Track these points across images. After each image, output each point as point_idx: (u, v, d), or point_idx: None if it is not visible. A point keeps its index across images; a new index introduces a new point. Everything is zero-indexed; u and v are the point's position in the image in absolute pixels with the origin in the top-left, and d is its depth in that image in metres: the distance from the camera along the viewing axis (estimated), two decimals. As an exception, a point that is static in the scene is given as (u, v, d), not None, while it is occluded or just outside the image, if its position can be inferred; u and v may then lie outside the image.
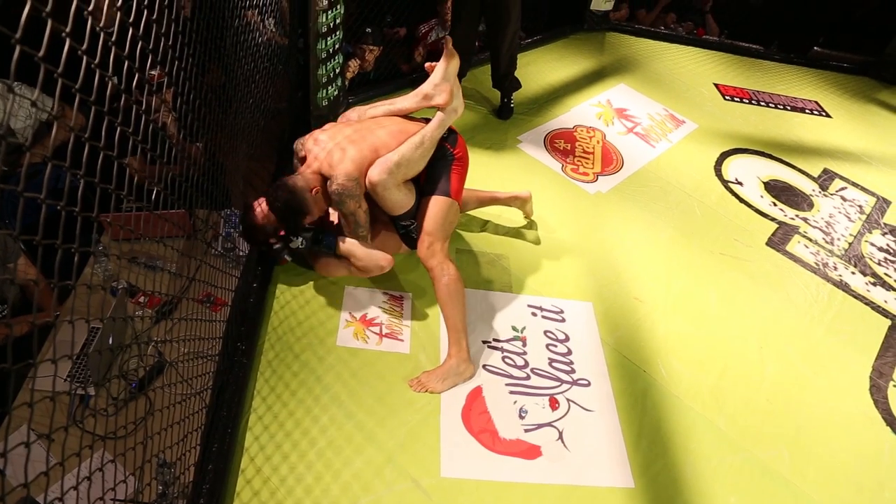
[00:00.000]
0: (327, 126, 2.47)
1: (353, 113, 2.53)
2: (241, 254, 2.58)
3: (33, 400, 0.95)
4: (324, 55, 3.13)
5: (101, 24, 1.02)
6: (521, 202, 3.00)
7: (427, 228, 2.38)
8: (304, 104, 3.27)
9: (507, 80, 3.77)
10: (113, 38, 1.11)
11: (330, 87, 3.31)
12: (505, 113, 3.86)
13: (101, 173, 1.16)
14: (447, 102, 2.37)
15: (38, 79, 0.85)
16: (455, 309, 2.33)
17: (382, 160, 2.27)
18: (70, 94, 1.02)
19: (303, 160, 2.40)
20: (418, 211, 2.43)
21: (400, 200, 2.36)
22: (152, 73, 2.09)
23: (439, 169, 2.42)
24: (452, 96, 2.38)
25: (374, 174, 2.26)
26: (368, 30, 3.78)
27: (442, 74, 2.37)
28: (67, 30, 0.87)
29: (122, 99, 1.24)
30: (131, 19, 1.24)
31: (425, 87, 2.41)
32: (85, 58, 0.98)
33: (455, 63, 2.39)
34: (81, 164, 1.06)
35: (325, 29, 3.03)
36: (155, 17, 1.34)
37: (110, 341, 2.02)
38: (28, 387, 1.72)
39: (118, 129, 1.25)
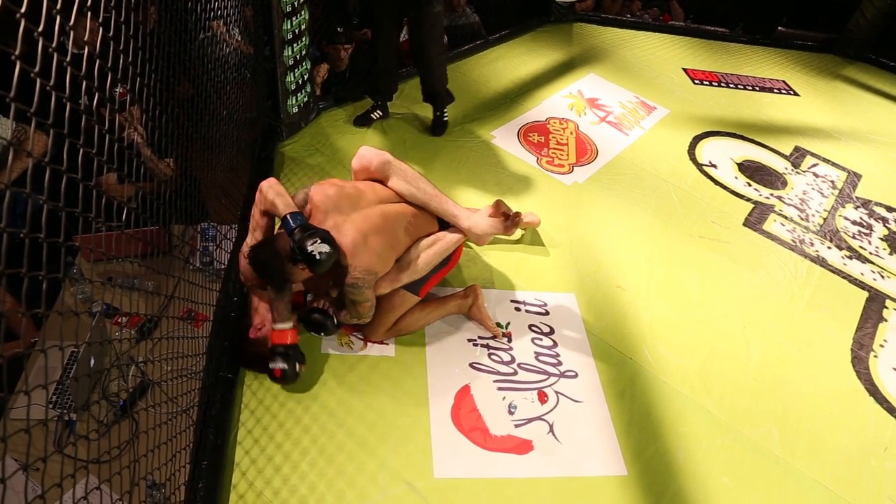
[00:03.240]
0: (331, 185, 2.19)
1: (377, 160, 2.31)
2: (220, 267, 2.56)
3: (6, 434, 0.92)
4: (291, 62, 3.11)
5: (54, 45, 0.99)
6: (530, 226, 2.99)
7: (378, 322, 2.30)
8: (275, 112, 3.25)
9: (439, 96, 3.52)
10: (68, 58, 1.09)
11: (299, 94, 3.29)
12: (439, 129, 3.59)
13: (73, 195, 1.14)
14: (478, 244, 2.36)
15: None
16: (434, 317, 2.44)
17: (394, 274, 2.19)
18: (37, 116, 0.99)
19: (306, 210, 2.18)
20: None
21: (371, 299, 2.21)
22: (116, 90, 2.06)
23: None
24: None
25: (381, 287, 2.18)
26: (340, 29, 3.77)
27: (493, 231, 2.29)
28: (17, 52, 0.85)
29: (85, 119, 1.22)
30: (87, 37, 1.22)
31: (473, 225, 2.29)
32: (39, 80, 0.96)
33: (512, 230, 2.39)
34: (54, 186, 1.04)
35: (290, 36, 3.01)
36: (112, 33, 1.32)
37: (91, 364, 1.98)
38: (8, 419, 1.69)
39: (88, 149, 1.22)
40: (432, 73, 3.42)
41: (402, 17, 3.26)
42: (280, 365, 2.07)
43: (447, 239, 2.29)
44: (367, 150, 2.34)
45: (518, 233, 2.99)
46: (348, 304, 2.14)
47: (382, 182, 2.33)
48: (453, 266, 2.47)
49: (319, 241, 1.91)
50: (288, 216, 2.00)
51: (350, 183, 2.25)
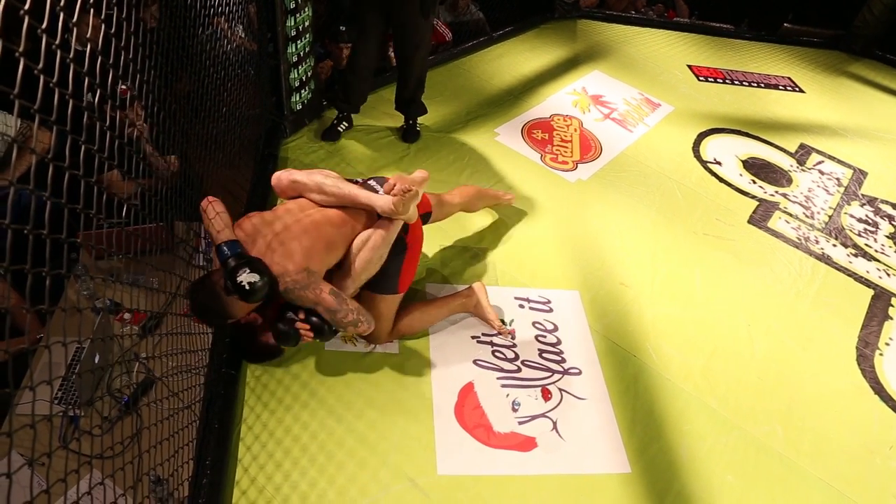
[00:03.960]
0: (251, 217, 2.10)
1: (284, 182, 2.22)
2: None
3: (12, 429, 0.93)
4: (295, 59, 3.10)
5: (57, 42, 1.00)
6: (502, 203, 3.03)
7: (374, 329, 2.23)
8: (279, 109, 3.25)
9: (412, 105, 3.44)
10: (71, 55, 1.09)
11: (303, 91, 3.28)
12: (411, 136, 3.48)
13: (77, 192, 1.14)
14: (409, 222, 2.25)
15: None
16: (438, 316, 2.45)
17: (346, 273, 2.12)
18: (43, 114, 1.00)
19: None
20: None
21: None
22: (119, 87, 2.06)
23: (388, 262, 2.20)
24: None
25: (345, 287, 2.12)
26: (342, 28, 3.77)
27: (391, 207, 2.12)
28: (20, 49, 0.85)
29: (88, 116, 1.22)
30: (89, 34, 1.22)
31: (381, 207, 2.15)
32: (42, 77, 0.96)
33: (419, 198, 2.20)
34: (57, 183, 1.05)
35: (294, 32, 3.01)
36: (114, 30, 1.32)
37: (96, 360, 1.99)
38: (14, 414, 1.70)
39: (92, 147, 1.23)
40: (412, 81, 3.32)
41: (388, 26, 3.15)
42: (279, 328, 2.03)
43: (380, 229, 2.18)
44: (276, 177, 2.25)
45: (493, 214, 3.03)
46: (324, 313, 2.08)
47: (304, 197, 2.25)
48: (417, 250, 2.35)
49: (248, 270, 1.81)
50: (223, 245, 1.89)
51: (266, 212, 2.17)
